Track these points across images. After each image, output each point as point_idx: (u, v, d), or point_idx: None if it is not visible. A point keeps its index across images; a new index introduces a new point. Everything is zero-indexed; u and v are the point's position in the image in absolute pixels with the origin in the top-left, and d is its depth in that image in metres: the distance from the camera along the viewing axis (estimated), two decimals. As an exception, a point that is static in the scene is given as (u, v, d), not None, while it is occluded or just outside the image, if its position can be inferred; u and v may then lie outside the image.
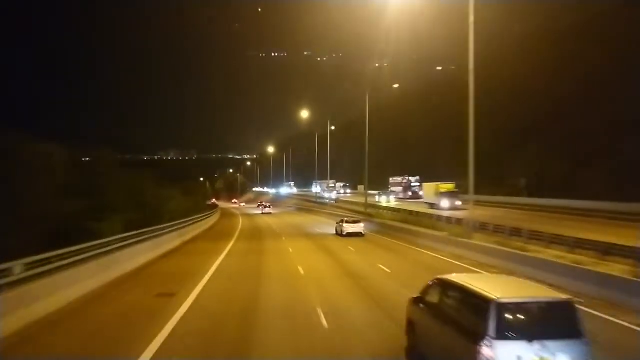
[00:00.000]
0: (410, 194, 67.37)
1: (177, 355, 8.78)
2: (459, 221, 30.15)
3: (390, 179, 75.79)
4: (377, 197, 66.21)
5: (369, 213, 48.00)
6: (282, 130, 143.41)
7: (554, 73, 48.87)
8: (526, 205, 40.97)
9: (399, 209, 48.85)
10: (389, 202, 63.95)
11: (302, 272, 18.21)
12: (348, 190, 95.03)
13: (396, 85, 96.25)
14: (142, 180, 34.39)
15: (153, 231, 23.09)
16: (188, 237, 31.91)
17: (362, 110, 50.17)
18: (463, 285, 7.10)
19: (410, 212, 42.25)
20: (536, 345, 5.85)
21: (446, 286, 7.61)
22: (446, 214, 37.89)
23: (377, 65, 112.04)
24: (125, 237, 19.06)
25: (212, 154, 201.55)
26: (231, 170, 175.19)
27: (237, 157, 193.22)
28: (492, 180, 47.97)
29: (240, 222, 54.56)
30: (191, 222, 35.57)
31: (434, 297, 7.83)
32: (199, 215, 42.79)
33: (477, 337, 5.99)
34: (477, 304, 6.39)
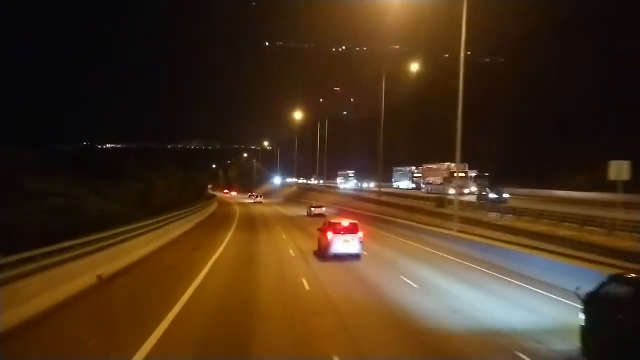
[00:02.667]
0: None
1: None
2: None
3: None
4: None
5: None
6: (314, 111, 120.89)
7: None
8: None
9: None
10: None
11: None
12: (506, 195, 40.62)
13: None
14: None
15: None
16: None
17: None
18: (330, 221, 22.53)
19: None
20: (344, 236, 20.98)
21: (326, 223, 22.69)
22: None
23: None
24: None
25: (234, 145, 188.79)
26: (246, 155, 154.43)
27: (259, 148, 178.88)
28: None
29: (227, 239, 28.92)
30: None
31: (322, 227, 22.73)
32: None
33: (328, 234, 21.26)
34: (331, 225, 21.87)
